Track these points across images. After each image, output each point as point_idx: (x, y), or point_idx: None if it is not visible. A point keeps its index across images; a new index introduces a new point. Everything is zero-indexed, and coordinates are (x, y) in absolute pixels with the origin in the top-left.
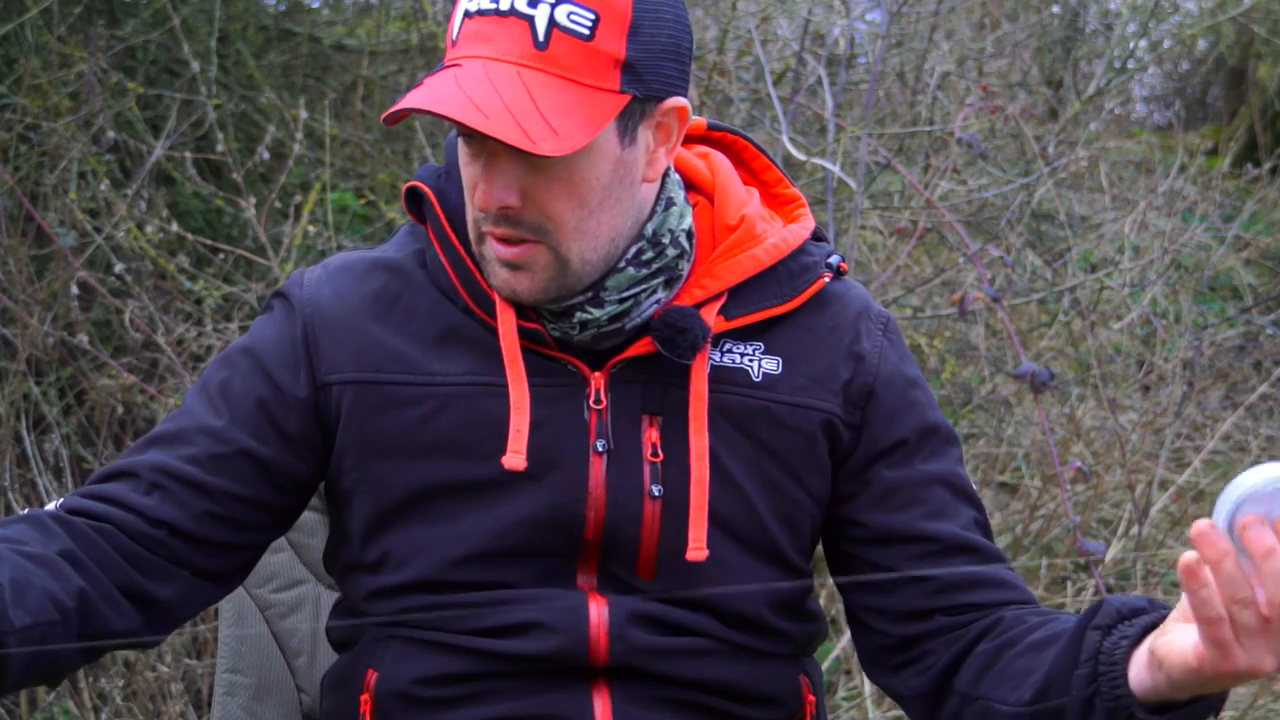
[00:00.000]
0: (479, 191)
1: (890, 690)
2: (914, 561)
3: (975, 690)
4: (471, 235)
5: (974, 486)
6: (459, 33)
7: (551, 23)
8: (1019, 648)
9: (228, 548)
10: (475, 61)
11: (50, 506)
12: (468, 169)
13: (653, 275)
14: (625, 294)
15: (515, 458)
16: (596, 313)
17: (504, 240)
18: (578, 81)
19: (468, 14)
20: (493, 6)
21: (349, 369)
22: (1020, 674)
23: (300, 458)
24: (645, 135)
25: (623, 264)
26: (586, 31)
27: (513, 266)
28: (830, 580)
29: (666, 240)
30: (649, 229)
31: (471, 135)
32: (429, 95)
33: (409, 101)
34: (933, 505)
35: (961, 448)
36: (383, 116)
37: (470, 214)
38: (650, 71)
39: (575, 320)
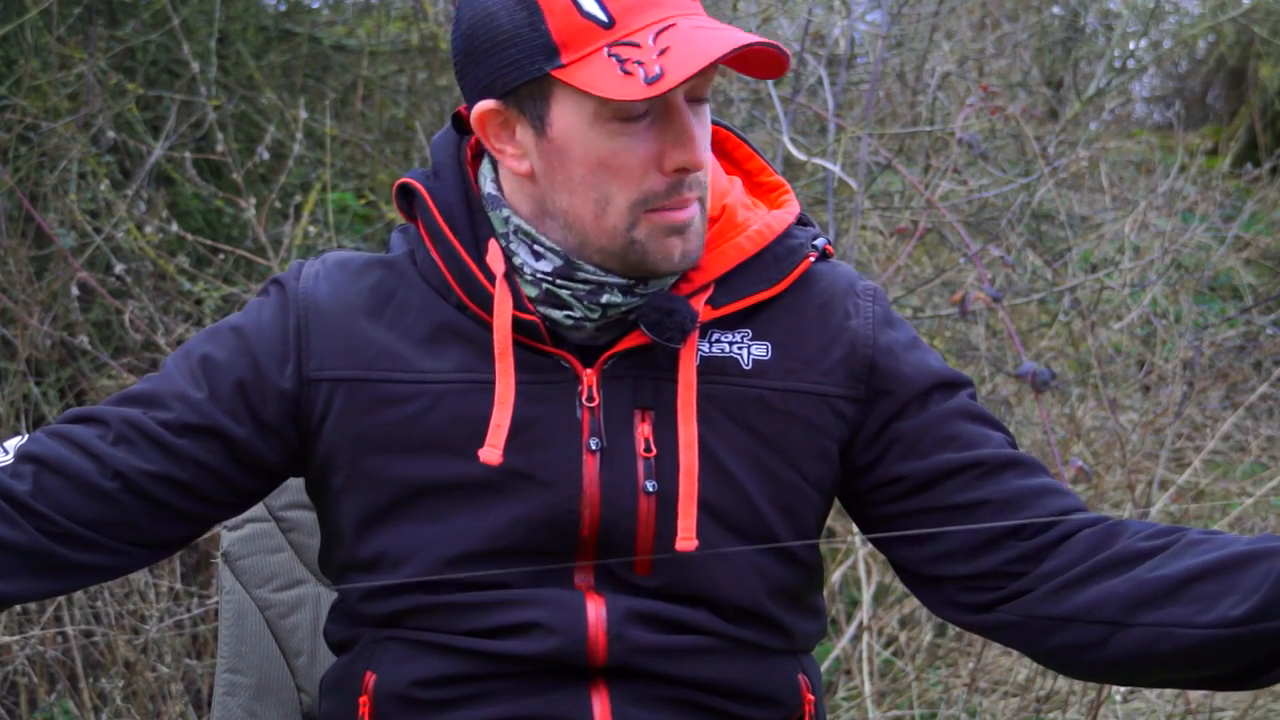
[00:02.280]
0: (686, 151)
1: (978, 628)
2: (965, 494)
3: (1134, 618)
4: (625, 222)
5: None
6: (611, 8)
7: None
8: (1188, 570)
9: (178, 515)
10: (682, 17)
11: (11, 444)
12: (633, 139)
13: None
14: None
15: (491, 451)
16: (620, 299)
17: (683, 206)
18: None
19: None
20: None
21: (340, 366)
22: (1209, 597)
23: (270, 445)
24: None
25: None
26: None
27: (682, 230)
28: (831, 579)
29: None
30: None
31: (635, 115)
32: (707, 45)
33: (703, 55)
34: (963, 439)
35: (975, 386)
36: (684, 77)
37: (628, 197)
38: None
39: (602, 300)
